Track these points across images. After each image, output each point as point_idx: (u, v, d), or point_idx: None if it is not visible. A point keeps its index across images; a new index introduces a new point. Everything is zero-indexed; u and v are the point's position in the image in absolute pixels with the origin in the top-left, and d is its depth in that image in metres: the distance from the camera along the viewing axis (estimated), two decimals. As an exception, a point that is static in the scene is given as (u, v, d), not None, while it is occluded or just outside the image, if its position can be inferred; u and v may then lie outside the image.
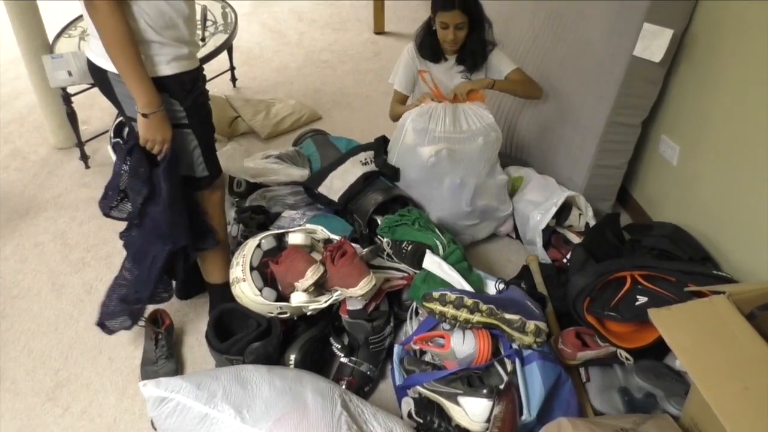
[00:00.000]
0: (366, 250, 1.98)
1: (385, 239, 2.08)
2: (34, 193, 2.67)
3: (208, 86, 1.78)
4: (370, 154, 2.40)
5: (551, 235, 2.25)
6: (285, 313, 1.81)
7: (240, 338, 1.75)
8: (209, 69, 2.11)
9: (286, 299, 1.79)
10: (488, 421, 1.54)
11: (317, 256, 1.86)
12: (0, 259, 2.33)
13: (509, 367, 1.65)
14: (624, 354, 1.71)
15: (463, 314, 1.70)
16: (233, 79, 3.46)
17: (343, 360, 1.86)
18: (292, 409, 1.49)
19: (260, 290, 1.77)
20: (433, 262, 1.93)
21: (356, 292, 1.74)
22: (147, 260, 1.78)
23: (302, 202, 2.38)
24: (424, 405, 1.68)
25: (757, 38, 1.76)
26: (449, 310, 1.71)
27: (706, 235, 2.02)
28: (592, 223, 2.23)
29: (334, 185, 2.31)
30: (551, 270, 2.12)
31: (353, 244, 1.86)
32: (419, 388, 1.69)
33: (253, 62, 3.74)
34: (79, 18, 2.91)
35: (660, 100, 2.21)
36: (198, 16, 2.94)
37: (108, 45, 1.47)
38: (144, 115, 1.54)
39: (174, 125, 1.61)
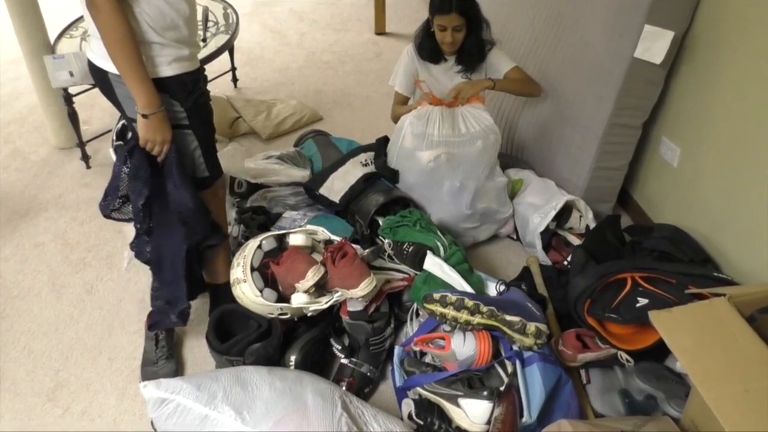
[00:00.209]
0: (367, 251, 1.98)
1: (386, 240, 2.08)
2: (34, 194, 2.66)
3: (209, 87, 1.79)
4: (370, 155, 2.41)
5: (552, 237, 2.24)
6: (285, 314, 1.81)
7: (240, 339, 1.75)
8: (210, 69, 2.11)
9: (287, 300, 1.78)
10: (489, 422, 1.54)
11: (318, 257, 1.86)
12: (0, 259, 2.33)
13: (510, 369, 1.65)
14: (624, 356, 1.70)
15: (464, 316, 1.70)
16: (234, 80, 3.47)
17: (344, 361, 1.86)
18: (292, 410, 1.49)
19: (261, 291, 1.77)
20: (434, 264, 1.93)
21: (357, 294, 1.74)
22: (166, 263, 1.78)
23: (303, 203, 2.38)
24: (425, 406, 1.68)
25: (759, 35, 1.76)
26: (450, 312, 1.71)
27: (707, 236, 2.02)
28: (593, 225, 2.23)
29: (335, 186, 2.31)
30: (552, 271, 2.12)
31: (354, 245, 1.86)
32: (420, 390, 1.68)
33: (254, 63, 3.74)
34: (81, 19, 2.92)
35: (661, 102, 2.21)
36: (199, 17, 2.95)
37: (108, 45, 1.47)
38: (144, 116, 1.54)
39: (174, 126, 1.62)
